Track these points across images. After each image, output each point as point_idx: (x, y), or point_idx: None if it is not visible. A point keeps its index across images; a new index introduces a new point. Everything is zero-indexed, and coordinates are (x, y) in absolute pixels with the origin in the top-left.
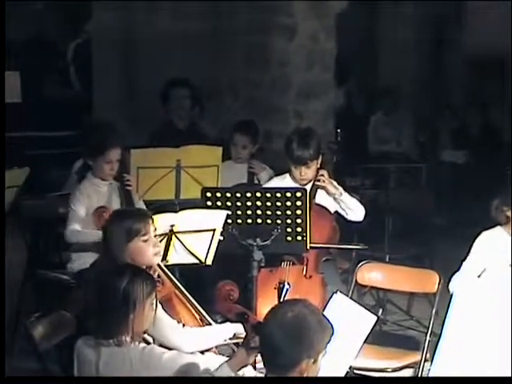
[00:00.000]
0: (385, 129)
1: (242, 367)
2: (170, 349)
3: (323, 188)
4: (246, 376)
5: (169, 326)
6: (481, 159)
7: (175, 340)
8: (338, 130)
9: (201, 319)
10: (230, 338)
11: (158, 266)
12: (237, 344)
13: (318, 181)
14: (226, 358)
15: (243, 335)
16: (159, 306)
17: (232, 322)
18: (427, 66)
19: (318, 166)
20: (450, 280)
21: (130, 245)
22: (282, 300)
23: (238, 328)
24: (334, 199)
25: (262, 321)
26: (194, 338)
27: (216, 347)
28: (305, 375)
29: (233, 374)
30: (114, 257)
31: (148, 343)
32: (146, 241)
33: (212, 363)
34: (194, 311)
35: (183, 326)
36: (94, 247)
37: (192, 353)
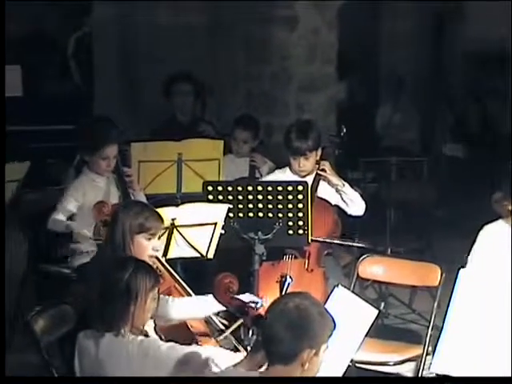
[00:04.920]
0: (386, 122)
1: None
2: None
3: (325, 179)
4: (245, 376)
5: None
6: (482, 153)
7: (160, 308)
8: (343, 127)
9: None
10: (216, 314)
11: (158, 260)
12: (236, 337)
13: (322, 171)
14: (225, 350)
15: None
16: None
17: (232, 314)
18: (429, 58)
19: (318, 158)
20: (457, 276)
21: (136, 236)
22: (283, 293)
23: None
24: (337, 191)
25: (264, 313)
26: (178, 306)
27: (216, 339)
28: (306, 367)
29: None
30: (117, 243)
31: (147, 336)
32: (149, 239)
33: (212, 354)
34: None
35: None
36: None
37: (189, 344)
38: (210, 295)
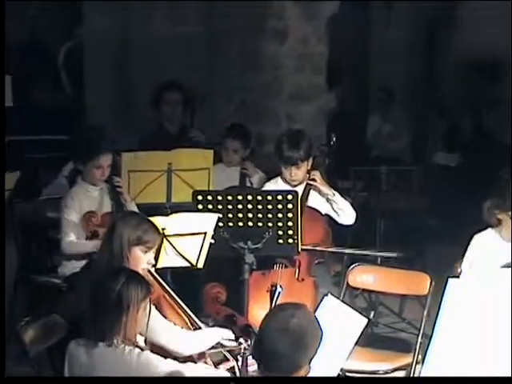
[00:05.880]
0: (377, 131)
1: None
2: (164, 355)
3: (316, 188)
4: (246, 376)
5: (165, 328)
6: (473, 162)
7: (171, 342)
8: (332, 136)
9: (190, 323)
10: (219, 343)
11: (148, 270)
12: (229, 351)
13: (312, 181)
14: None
15: (230, 339)
16: (154, 308)
17: (220, 324)
18: (419, 68)
19: (309, 167)
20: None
21: (133, 248)
22: (274, 303)
23: (226, 332)
24: (327, 200)
25: (260, 325)
26: (188, 341)
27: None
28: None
29: None
30: (114, 254)
31: (140, 348)
32: (145, 252)
33: (209, 372)
34: (183, 315)
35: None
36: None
37: (186, 362)
38: (216, 328)
